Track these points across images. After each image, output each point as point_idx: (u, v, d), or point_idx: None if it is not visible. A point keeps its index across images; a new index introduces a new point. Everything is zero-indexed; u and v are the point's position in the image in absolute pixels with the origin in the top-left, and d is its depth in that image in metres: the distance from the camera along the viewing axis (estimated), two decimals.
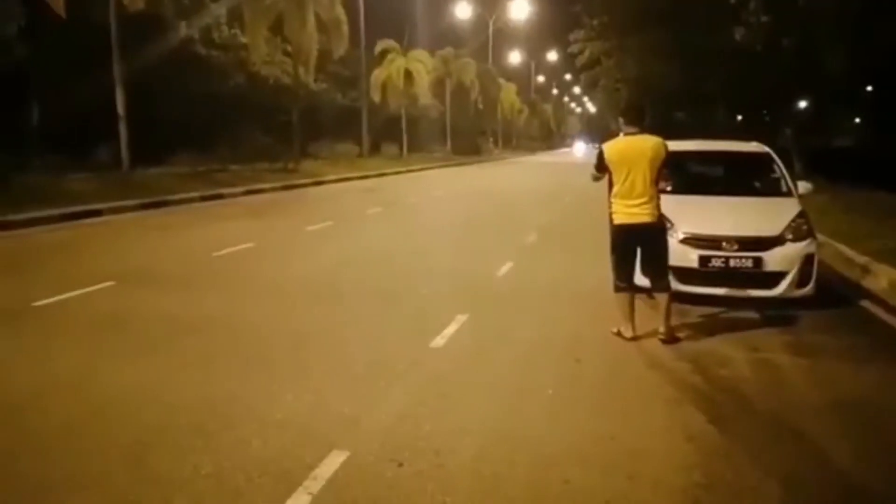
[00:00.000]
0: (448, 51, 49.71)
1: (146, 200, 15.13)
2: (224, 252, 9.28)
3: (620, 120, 5.63)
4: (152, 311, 6.28)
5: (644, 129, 5.44)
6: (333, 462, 3.35)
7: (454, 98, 50.22)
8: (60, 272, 8.05)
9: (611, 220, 5.51)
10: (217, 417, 3.89)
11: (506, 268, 8.36)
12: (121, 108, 18.76)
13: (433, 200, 18.84)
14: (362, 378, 4.57)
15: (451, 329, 5.68)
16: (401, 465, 3.36)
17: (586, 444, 3.64)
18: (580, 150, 79.15)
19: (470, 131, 57.05)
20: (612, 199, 5.44)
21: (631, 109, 5.65)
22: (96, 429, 3.77)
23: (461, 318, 5.96)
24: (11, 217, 11.64)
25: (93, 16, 18.63)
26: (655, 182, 5.33)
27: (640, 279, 5.58)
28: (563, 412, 4.06)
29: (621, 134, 5.57)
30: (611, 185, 5.46)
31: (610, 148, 5.45)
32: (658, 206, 5.36)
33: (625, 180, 5.31)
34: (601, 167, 5.50)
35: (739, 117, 27.32)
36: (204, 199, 16.91)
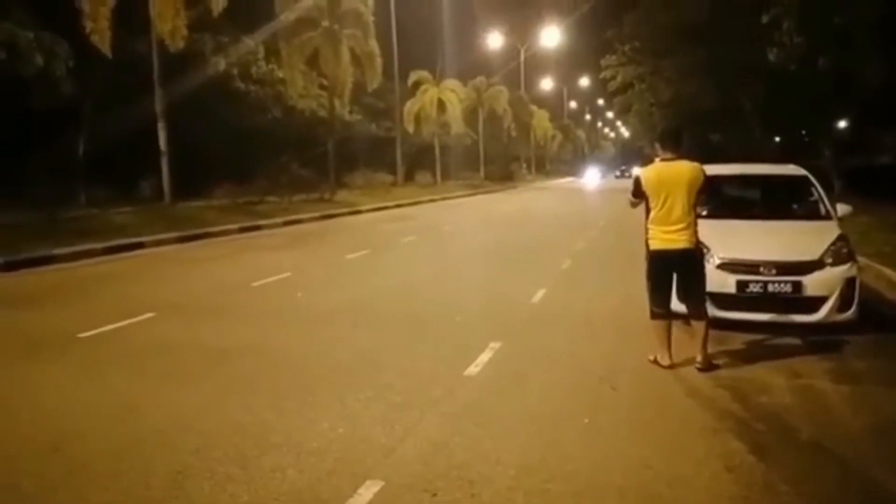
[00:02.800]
0: (480, 80, 50.19)
1: (187, 233, 15.50)
2: (262, 282, 9.44)
3: (657, 145, 5.62)
4: (191, 341, 6.41)
5: (681, 155, 5.43)
6: (368, 492, 3.37)
7: (487, 126, 50.57)
8: (104, 304, 8.27)
9: (647, 245, 5.48)
10: (254, 446, 3.95)
11: (539, 295, 8.33)
12: (163, 144, 19.34)
13: (466, 228, 18.90)
14: (397, 406, 4.59)
15: (485, 357, 5.67)
16: (435, 494, 3.36)
17: (623, 473, 3.59)
18: (593, 179, 65.90)
19: (503, 158, 57.28)
20: (650, 225, 5.41)
21: (668, 134, 5.65)
22: (138, 456, 3.86)
23: (495, 346, 5.96)
24: (58, 251, 12.02)
25: (136, 54, 19.34)
26: (693, 208, 5.30)
27: (678, 305, 5.53)
28: (598, 441, 4.02)
29: (657, 159, 5.56)
30: (648, 210, 5.44)
31: (647, 174, 5.43)
32: (696, 233, 5.32)
33: (662, 206, 5.29)
34: (638, 193, 5.47)
35: (777, 138, 26.94)
36: (243, 230, 17.26)
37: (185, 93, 21.74)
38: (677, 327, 5.58)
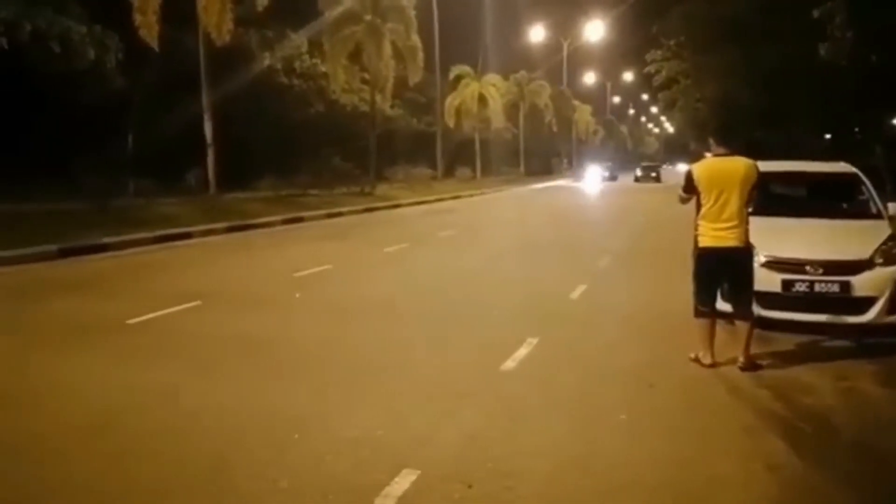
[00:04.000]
0: (522, 74, 49.93)
1: (232, 224, 15.81)
2: (304, 273, 9.58)
3: (710, 141, 5.52)
4: (234, 329, 6.55)
5: (734, 151, 5.33)
6: (404, 481, 3.40)
7: (528, 120, 50.31)
8: (152, 292, 8.50)
9: (696, 242, 5.39)
10: (293, 433, 4.03)
11: (578, 291, 8.28)
12: (209, 136, 19.74)
13: (505, 222, 18.86)
14: (433, 398, 4.63)
15: (522, 352, 5.67)
16: (470, 486, 3.38)
17: (660, 470, 3.57)
18: (593, 179, 48.87)
19: (543, 153, 56.92)
20: (700, 222, 5.31)
21: (722, 130, 5.58)
22: (180, 440, 3.97)
23: (532, 341, 5.94)
24: (109, 240, 12.38)
25: (183, 48, 19.75)
26: (745, 206, 5.19)
27: (722, 304, 5.45)
28: (635, 438, 3.99)
29: (707, 155, 5.49)
30: (699, 207, 5.34)
31: (700, 169, 5.33)
32: (747, 231, 5.21)
33: (714, 202, 5.18)
34: (690, 188, 5.37)
35: (827, 136, 26.20)
36: (286, 222, 17.52)
37: (230, 86, 22.14)
38: (720, 326, 5.50)
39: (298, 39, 27.94)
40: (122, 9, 18.07)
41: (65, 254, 11.22)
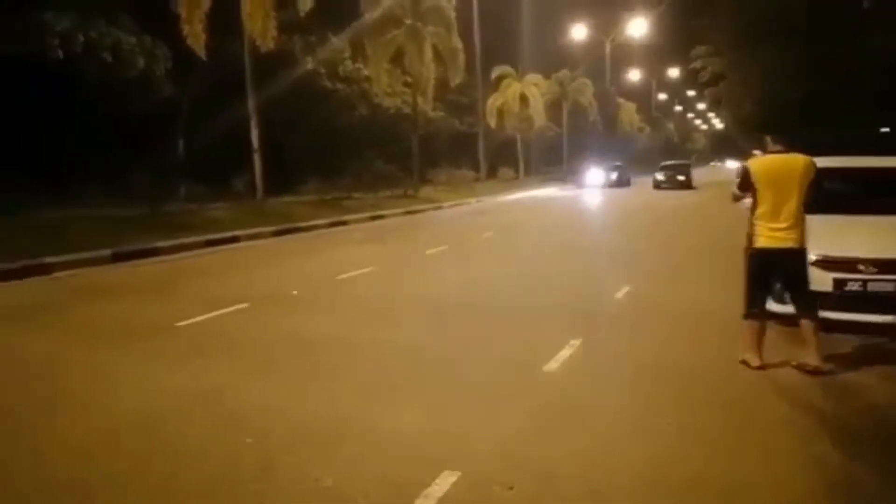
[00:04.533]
0: (564, 73, 49.54)
1: (278, 227, 16.08)
2: (347, 276, 9.69)
3: (767, 139, 5.38)
4: (281, 330, 6.67)
5: (791, 147, 5.17)
6: (445, 482, 3.42)
7: (571, 119, 49.87)
8: (201, 294, 8.71)
9: (750, 242, 5.22)
10: (336, 433, 4.08)
11: (622, 292, 8.18)
12: (255, 141, 20.11)
13: (547, 222, 18.74)
14: (476, 399, 4.63)
15: (565, 353, 5.63)
16: (511, 488, 3.37)
17: (706, 473, 3.50)
18: (592, 183, 37.85)
19: (588, 151, 56.30)
20: (755, 221, 5.13)
21: (780, 127, 5.43)
22: (226, 440, 4.05)
23: (575, 343, 5.89)
24: (160, 244, 12.73)
25: (229, 55, 20.18)
26: (804, 205, 5.03)
27: (774, 306, 5.31)
28: (682, 441, 3.92)
29: (756, 153, 5.35)
30: (754, 205, 5.17)
31: (757, 165, 5.16)
32: (803, 232, 5.06)
33: (771, 201, 5.04)
34: (746, 186, 5.20)
35: (885, 129, 25.30)
36: (330, 225, 17.76)
37: (275, 92, 22.50)
38: (770, 328, 5.36)
39: (341, 44, 28.26)
40: (170, 19, 18.54)
41: (118, 258, 11.57)
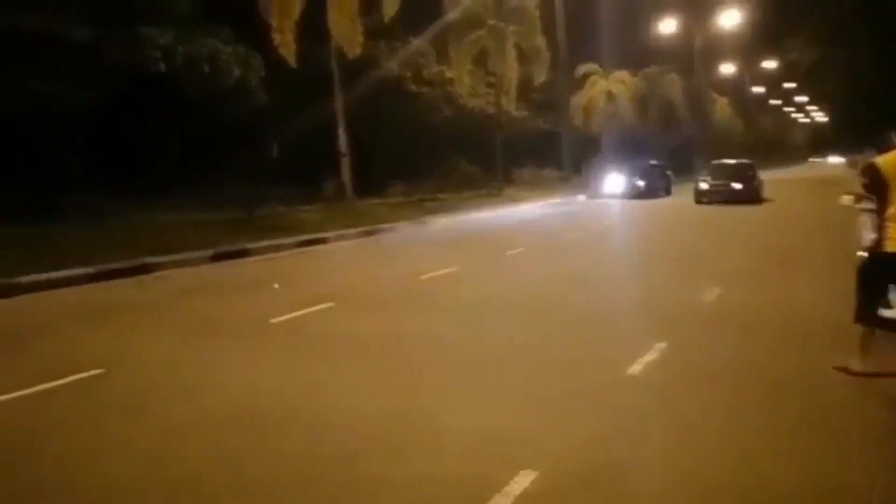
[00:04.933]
0: (652, 69, 48.25)
1: (365, 228, 16.49)
2: (430, 276, 9.84)
3: (893, 134, 5.10)
4: (365, 329, 6.86)
5: None
6: (523, 481, 3.43)
7: (659, 116, 48.52)
8: (293, 293, 9.05)
9: (877, 245, 4.82)
10: (415, 430, 4.18)
11: (714, 294, 7.95)
12: (343, 145, 20.70)
13: (631, 221, 18.34)
14: (556, 401, 4.63)
15: (649, 357, 5.54)
16: (589, 490, 3.37)
17: (795, 484, 3.38)
18: (610, 191, 27.65)
19: (678, 149, 54.59)
20: (886, 223, 4.76)
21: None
22: (309, 433, 4.20)
23: (661, 346, 5.78)
24: (254, 245, 13.30)
25: (317, 62, 20.84)
26: None
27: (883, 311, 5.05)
28: (770, 451, 3.79)
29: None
30: (883, 206, 4.78)
31: (888, 162, 4.83)
32: None
33: None
34: (875, 186, 4.80)
35: None
36: (415, 225, 18.04)
37: (362, 96, 23.06)
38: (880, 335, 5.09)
39: (424, 47, 28.62)
40: (262, 29, 19.33)
41: (216, 258, 12.16)
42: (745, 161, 27.55)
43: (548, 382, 5.02)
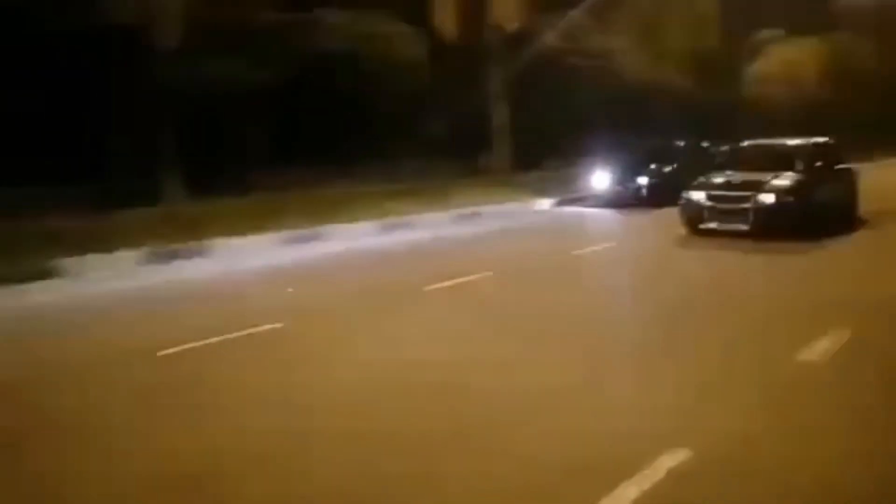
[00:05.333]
0: (841, 35, 43.64)
1: (521, 204, 16.55)
2: (584, 251, 9.71)
3: None
4: (518, 299, 6.99)
5: None
6: (672, 459, 3.34)
7: (851, 86, 43.87)
8: (450, 263, 9.32)
9: None
10: (563, 403, 4.21)
11: None
12: (501, 120, 20.91)
13: None
14: (714, 382, 4.50)
15: (824, 343, 5.10)
16: (737, 475, 3.24)
17: None
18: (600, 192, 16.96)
19: (870, 122, 49.22)
20: None
21: None
22: (449, 398, 4.32)
23: (839, 333, 5.31)
24: (414, 217, 13.78)
25: (475, 38, 21.14)
26: None
27: None
28: None
29: None
30: None
31: None
32: None
33: None
34: None
35: None
36: (569, 201, 17.82)
37: (520, 72, 23.01)
38: None
39: (585, 19, 27.90)
40: (426, 7, 19.91)
41: (383, 229, 12.75)
42: (801, 141, 12.01)
43: (706, 363, 4.86)
